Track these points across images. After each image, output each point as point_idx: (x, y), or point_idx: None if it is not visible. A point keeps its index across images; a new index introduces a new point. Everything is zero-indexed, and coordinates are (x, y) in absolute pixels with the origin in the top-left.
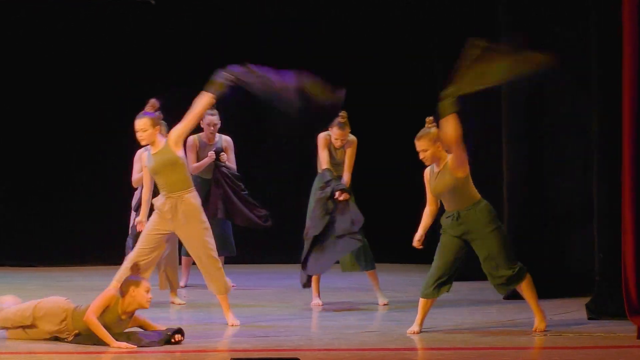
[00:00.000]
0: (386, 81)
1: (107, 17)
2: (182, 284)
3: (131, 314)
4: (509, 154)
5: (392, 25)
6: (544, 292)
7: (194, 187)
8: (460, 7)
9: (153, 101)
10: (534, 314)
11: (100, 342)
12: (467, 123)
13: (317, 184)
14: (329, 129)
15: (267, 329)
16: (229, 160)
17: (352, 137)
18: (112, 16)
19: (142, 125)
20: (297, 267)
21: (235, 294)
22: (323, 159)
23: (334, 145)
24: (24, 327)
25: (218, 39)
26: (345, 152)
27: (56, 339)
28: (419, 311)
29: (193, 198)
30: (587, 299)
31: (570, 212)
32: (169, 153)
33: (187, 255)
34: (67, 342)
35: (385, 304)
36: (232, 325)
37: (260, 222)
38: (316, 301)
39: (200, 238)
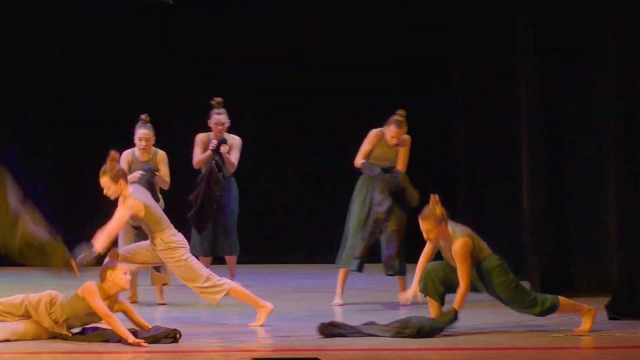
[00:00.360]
0: (399, 84)
1: (123, 17)
2: None
3: (114, 298)
4: (527, 155)
5: (410, 28)
6: (561, 292)
7: (167, 227)
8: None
9: (113, 154)
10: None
11: (89, 321)
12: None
13: (360, 181)
14: (385, 126)
15: (287, 329)
16: (233, 158)
17: (406, 136)
18: (129, 16)
19: (104, 184)
20: (318, 267)
21: (257, 293)
22: (361, 152)
23: (388, 143)
24: (14, 317)
25: (235, 40)
26: (398, 150)
27: (54, 337)
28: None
29: (167, 237)
30: (606, 299)
31: (588, 212)
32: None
33: (206, 255)
34: (64, 336)
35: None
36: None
37: (195, 227)
38: (337, 301)
39: (178, 273)
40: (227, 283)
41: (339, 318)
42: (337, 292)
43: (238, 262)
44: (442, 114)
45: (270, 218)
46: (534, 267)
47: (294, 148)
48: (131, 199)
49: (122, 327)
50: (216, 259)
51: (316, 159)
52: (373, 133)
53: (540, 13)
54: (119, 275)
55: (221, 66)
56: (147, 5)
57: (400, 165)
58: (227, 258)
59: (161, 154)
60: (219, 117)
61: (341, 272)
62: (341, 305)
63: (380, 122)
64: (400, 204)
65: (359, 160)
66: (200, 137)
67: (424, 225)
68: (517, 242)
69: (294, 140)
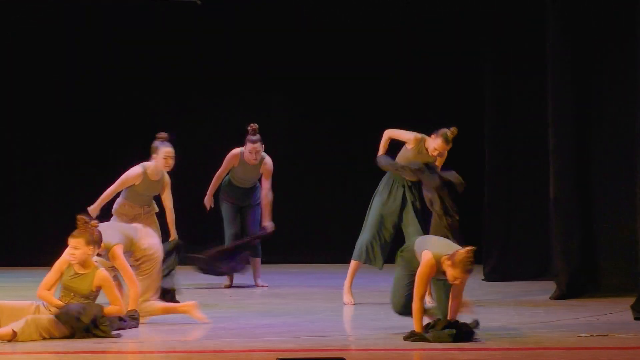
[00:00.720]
0: (426, 85)
1: (149, 17)
2: (228, 282)
3: (87, 267)
4: (554, 155)
5: (440, 24)
6: (587, 292)
7: (139, 240)
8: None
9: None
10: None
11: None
12: None
13: (388, 176)
14: (432, 136)
15: (313, 329)
16: (265, 186)
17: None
18: (156, 16)
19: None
20: (343, 267)
21: (283, 293)
22: (395, 133)
23: (430, 153)
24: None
25: (259, 43)
26: (436, 160)
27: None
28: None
29: (140, 251)
30: (632, 299)
31: (615, 212)
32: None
33: None
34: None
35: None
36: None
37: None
38: (348, 299)
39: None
40: (157, 303)
41: (362, 318)
42: (345, 285)
43: (263, 263)
44: (470, 117)
45: (296, 219)
46: (561, 266)
47: (321, 150)
48: (111, 250)
49: (54, 300)
50: None
51: (343, 161)
52: (412, 136)
53: (571, 6)
54: (69, 248)
55: (242, 67)
56: (174, 5)
57: None
58: (251, 260)
59: (167, 178)
60: (254, 146)
61: (352, 265)
62: (353, 304)
63: (408, 121)
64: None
65: (382, 151)
66: (232, 157)
67: (464, 279)
68: (544, 242)
69: (321, 142)
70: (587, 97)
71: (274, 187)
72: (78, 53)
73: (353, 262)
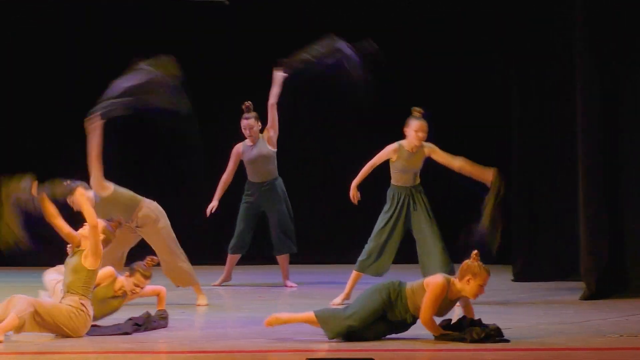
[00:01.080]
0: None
1: (150, 17)
2: (217, 282)
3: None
4: (583, 157)
5: (460, 20)
6: (616, 292)
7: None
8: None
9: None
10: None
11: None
12: None
13: (392, 191)
14: (405, 130)
15: None
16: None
17: (429, 144)
18: (156, 16)
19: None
20: None
21: (311, 293)
22: (376, 160)
23: (417, 140)
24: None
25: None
26: (421, 149)
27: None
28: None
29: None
30: None
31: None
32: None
33: (234, 252)
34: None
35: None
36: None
37: None
38: (337, 300)
39: None
40: None
41: None
42: (345, 291)
43: (291, 263)
44: (496, 116)
45: (326, 218)
46: (589, 267)
47: (351, 150)
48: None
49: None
50: (269, 259)
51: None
52: (390, 149)
53: (598, 17)
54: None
55: (242, 67)
56: (202, 6)
57: (459, 162)
58: (278, 258)
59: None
60: (247, 122)
61: (355, 276)
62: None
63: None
64: None
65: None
66: (236, 152)
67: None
68: (573, 242)
69: (327, 142)
70: (616, 97)
71: (294, 188)
72: (78, 53)
73: (355, 273)
